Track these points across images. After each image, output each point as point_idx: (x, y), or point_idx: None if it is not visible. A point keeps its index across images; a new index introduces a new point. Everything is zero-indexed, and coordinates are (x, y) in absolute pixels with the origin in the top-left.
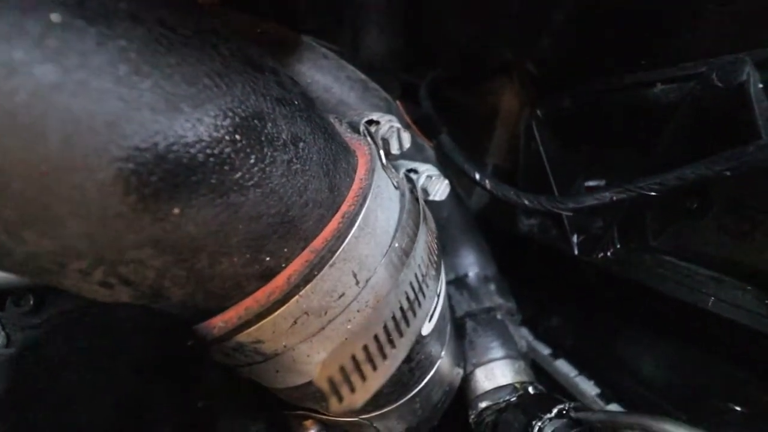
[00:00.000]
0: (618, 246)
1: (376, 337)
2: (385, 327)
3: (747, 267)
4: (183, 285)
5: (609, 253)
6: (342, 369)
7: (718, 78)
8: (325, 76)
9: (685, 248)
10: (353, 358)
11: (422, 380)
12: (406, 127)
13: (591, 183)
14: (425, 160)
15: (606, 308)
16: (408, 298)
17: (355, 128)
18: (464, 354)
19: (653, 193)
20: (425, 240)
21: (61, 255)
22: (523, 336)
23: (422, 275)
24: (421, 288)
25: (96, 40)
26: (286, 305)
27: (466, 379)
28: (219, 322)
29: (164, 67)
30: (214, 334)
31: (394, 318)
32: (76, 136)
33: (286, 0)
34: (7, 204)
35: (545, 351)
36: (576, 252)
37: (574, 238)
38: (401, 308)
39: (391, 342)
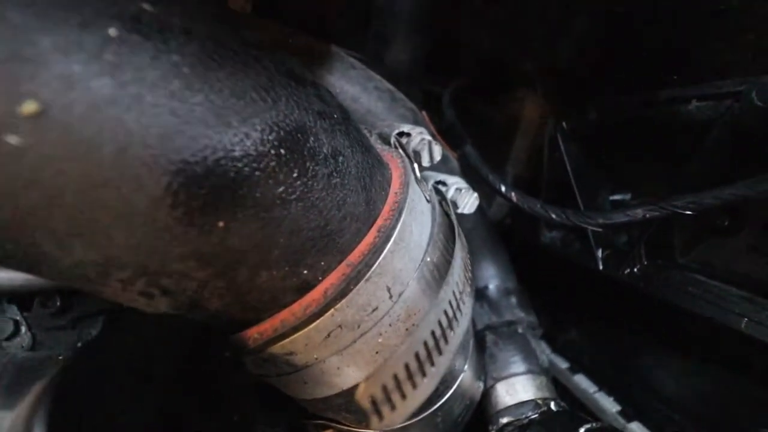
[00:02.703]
0: (645, 262)
1: (416, 356)
2: (425, 345)
3: None
4: (221, 296)
5: (636, 269)
6: (384, 388)
7: (757, 97)
8: (354, 86)
9: (715, 266)
10: (395, 377)
11: (445, 394)
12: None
13: (616, 197)
14: (450, 171)
15: (629, 324)
16: (447, 316)
17: (385, 140)
18: (484, 368)
19: (688, 212)
20: (461, 257)
21: (105, 265)
22: (543, 350)
23: (459, 293)
24: (459, 306)
25: (151, 55)
26: (321, 318)
27: (487, 394)
28: (254, 334)
29: (214, 81)
30: (249, 345)
31: (434, 336)
32: (129, 149)
33: (314, 8)
34: (58, 214)
35: (563, 365)
36: (601, 267)
37: (599, 253)
38: (441, 326)
39: (430, 360)
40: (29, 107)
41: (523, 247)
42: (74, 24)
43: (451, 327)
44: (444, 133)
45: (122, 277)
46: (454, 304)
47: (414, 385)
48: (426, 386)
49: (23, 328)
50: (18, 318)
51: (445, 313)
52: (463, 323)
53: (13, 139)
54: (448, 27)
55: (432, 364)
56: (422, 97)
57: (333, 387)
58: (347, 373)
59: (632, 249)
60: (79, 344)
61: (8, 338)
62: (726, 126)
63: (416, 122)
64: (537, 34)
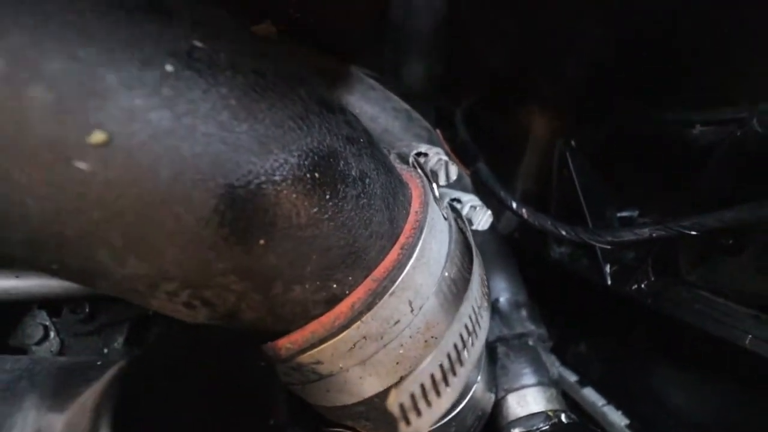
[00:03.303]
0: (652, 279)
1: (441, 367)
2: (449, 356)
3: None
4: (257, 308)
5: (643, 285)
6: (412, 396)
7: (759, 124)
8: (373, 107)
9: (721, 284)
10: (422, 386)
11: (459, 404)
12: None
13: (624, 213)
14: (463, 188)
15: (637, 338)
16: (467, 330)
17: (404, 159)
18: (496, 379)
19: (693, 233)
20: (479, 273)
21: (155, 278)
22: (554, 363)
23: (478, 307)
24: (477, 320)
25: (203, 89)
26: (348, 330)
27: (498, 405)
28: (286, 344)
29: (257, 112)
30: (280, 355)
31: (456, 348)
32: (182, 174)
33: (332, 26)
34: (117, 232)
35: (572, 378)
36: (609, 282)
37: (607, 268)
38: (462, 339)
39: (453, 371)
40: (97, 137)
41: (532, 260)
42: (136, 61)
43: (471, 340)
44: (457, 150)
45: (169, 289)
46: (474, 318)
47: (438, 394)
48: (450, 395)
49: (52, 333)
50: (47, 323)
51: (466, 327)
52: (482, 336)
53: (82, 165)
54: (459, 44)
55: (454, 374)
56: (435, 114)
57: (354, 395)
58: (369, 382)
59: (640, 265)
60: (105, 350)
61: (38, 343)
62: (729, 150)
63: (431, 141)
64: (547, 51)
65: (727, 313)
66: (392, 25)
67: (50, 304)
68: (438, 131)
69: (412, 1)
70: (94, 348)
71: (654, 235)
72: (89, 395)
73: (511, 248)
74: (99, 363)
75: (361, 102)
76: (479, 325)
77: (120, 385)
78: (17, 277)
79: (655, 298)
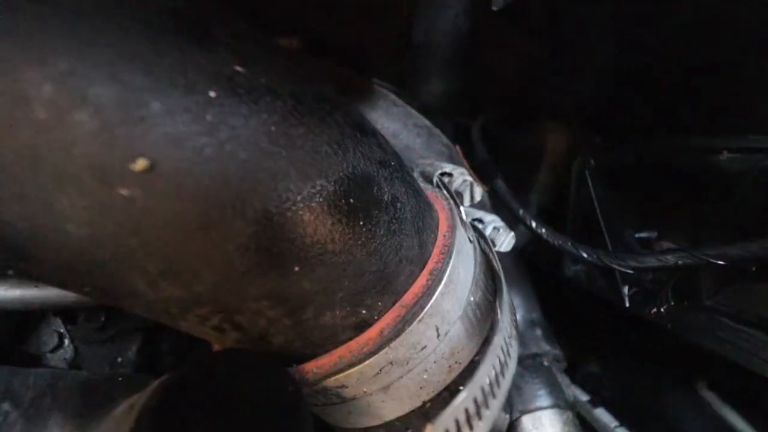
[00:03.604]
0: (672, 303)
1: (474, 400)
2: (482, 389)
3: None
4: (286, 333)
5: (663, 309)
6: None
7: None
8: (395, 123)
9: (743, 311)
10: (456, 421)
11: None
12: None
13: (642, 234)
14: (481, 205)
15: (652, 361)
16: (500, 361)
17: (427, 178)
18: (510, 399)
19: (720, 263)
20: (508, 302)
21: (187, 302)
22: (569, 384)
23: (508, 337)
24: (509, 351)
25: (244, 114)
26: (376, 356)
27: (512, 426)
28: (313, 368)
29: (296, 137)
30: (307, 379)
31: (489, 381)
32: (223, 201)
33: (354, 43)
34: (153, 257)
35: (583, 397)
36: (627, 305)
37: (625, 290)
38: (495, 370)
39: (486, 404)
40: (140, 164)
41: (544, 275)
42: (181, 86)
43: (503, 371)
44: (474, 166)
45: (201, 313)
46: (505, 349)
47: (471, 428)
48: (482, 428)
49: (66, 341)
50: (62, 331)
51: (498, 358)
52: (512, 367)
53: (124, 192)
54: (476, 60)
55: (487, 407)
56: (453, 129)
57: (375, 418)
58: (391, 405)
59: (659, 289)
60: (119, 359)
61: (53, 350)
62: (755, 180)
63: (452, 158)
64: (565, 67)
65: (749, 341)
66: (414, 41)
67: (66, 311)
68: (458, 147)
69: (435, 20)
70: (107, 357)
71: (680, 262)
72: (119, 418)
73: (524, 264)
74: (120, 379)
75: (384, 118)
76: (510, 355)
77: (153, 411)
78: (36, 286)
79: (675, 322)
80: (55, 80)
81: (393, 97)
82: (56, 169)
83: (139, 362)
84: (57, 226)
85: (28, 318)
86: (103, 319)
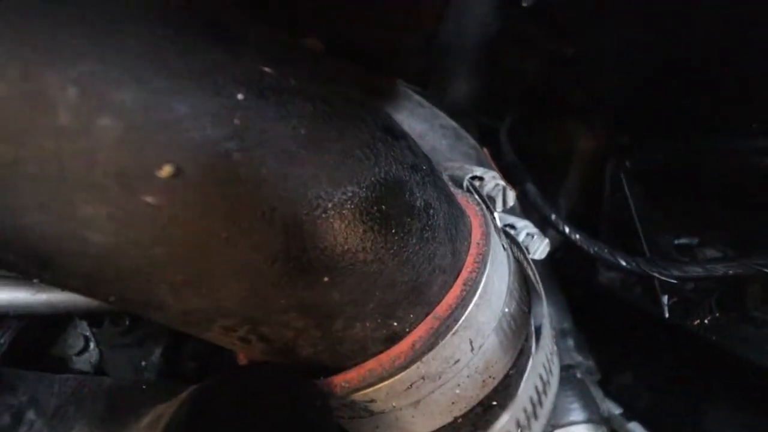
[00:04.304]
0: (717, 314)
1: (517, 422)
2: (525, 411)
3: None
4: (314, 345)
5: (706, 321)
6: None
7: None
8: (422, 125)
9: None
10: None
11: None
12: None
13: (682, 240)
14: (512, 211)
15: (692, 373)
16: (542, 380)
17: (457, 182)
18: None
19: None
20: (548, 316)
21: (213, 313)
22: (603, 398)
23: (550, 354)
24: (551, 369)
25: (273, 118)
26: (407, 370)
27: None
28: (341, 382)
29: (326, 141)
30: (335, 392)
31: (531, 401)
32: (251, 208)
33: (380, 44)
34: (179, 267)
35: (616, 410)
36: (667, 315)
37: (665, 299)
38: (537, 391)
39: (529, 427)
40: (166, 170)
41: (573, 282)
42: (208, 89)
43: (545, 391)
44: (502, 169)
45: (227, 324)
46: (547, 367)
47: None
48: None
49: (92, 344)
50: (87, 334)
51: (540, 377)
52: (554, 385)
53: (149, 199)
54: (502, 59)
55: (530, 430)
56: (477, 130)
57: None
58: (421, 421)
59: (701, 298)
60: (143, 363)
61: (78, 353)
62: None
63: (479, 160)
64: (593, 66)
65: None
66: (440, 41)
67: (92, 314)
68: (485, 150)
69: (464, 19)
70: (131, 361)
71: (730, 272)
72: (145, 430)
73: (554, 270)
74: (145, 387)
75: (410, 119)
76: (552, 372)
77: (180, 425)
78: (63, 291)
79: (720, 335)
80: (79, 84)
81: (418, 97)
82: (79, 176)
83: (163, 366)
84: (80, 235)
85: (55, 321)
86: (127, 323)
